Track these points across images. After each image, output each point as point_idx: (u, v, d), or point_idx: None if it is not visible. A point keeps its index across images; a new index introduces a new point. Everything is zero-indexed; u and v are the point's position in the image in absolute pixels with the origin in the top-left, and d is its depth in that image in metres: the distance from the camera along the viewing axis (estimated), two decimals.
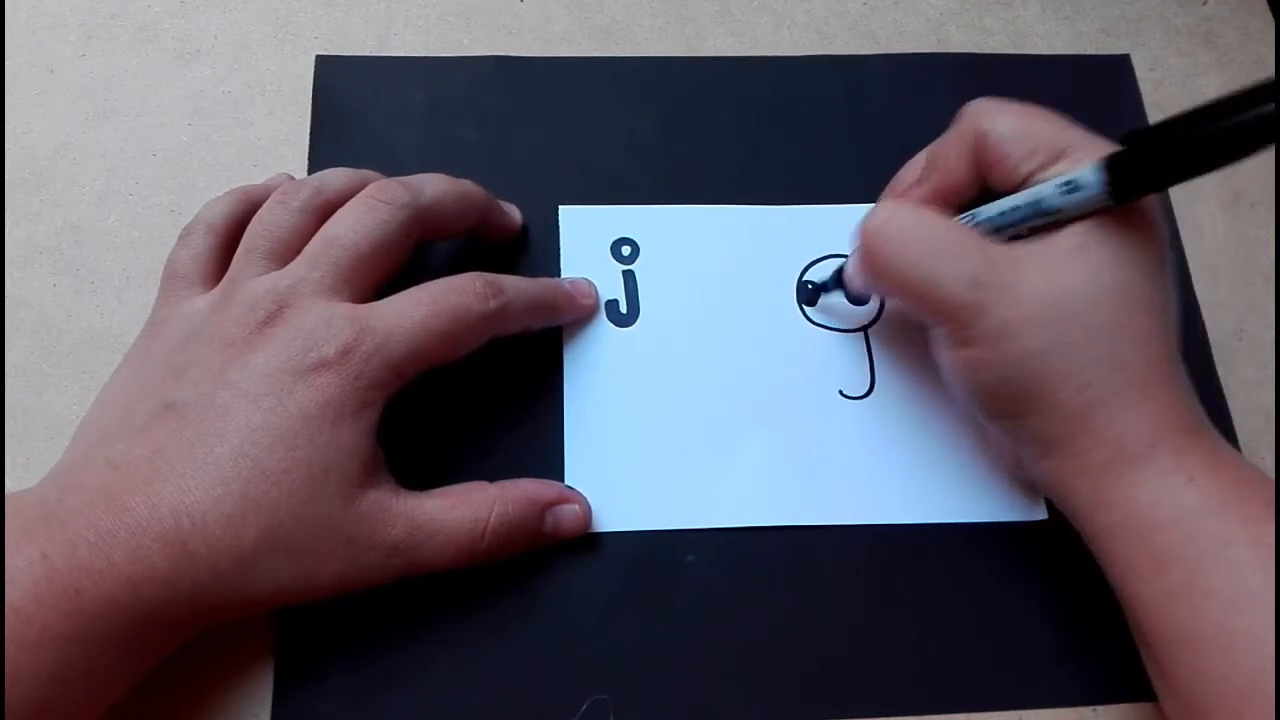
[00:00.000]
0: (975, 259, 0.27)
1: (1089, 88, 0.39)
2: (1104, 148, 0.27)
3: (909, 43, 0.39)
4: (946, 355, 0.28)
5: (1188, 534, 0.25)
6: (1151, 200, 0.27)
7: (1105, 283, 0.26)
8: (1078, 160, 0.27)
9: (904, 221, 0.28)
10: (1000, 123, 0.28)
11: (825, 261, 0.35)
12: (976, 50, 0.39)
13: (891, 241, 0.28)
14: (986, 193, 0.29)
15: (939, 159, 0.30)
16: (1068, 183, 0.26)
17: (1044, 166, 0.27)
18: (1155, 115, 0.38)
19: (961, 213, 0.29)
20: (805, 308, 0.34)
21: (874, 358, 0.34)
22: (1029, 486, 0.32)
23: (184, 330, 0.28)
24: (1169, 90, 0.39)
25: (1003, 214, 0.28)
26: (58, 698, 0.23)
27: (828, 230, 0.36)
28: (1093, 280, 0.26)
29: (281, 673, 0.29)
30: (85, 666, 0.23)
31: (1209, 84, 0.39)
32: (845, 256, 0.35)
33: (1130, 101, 0.39)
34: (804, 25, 0.39)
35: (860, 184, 0.36)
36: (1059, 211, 0.27)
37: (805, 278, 0.35)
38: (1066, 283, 0.26)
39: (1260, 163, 0.38)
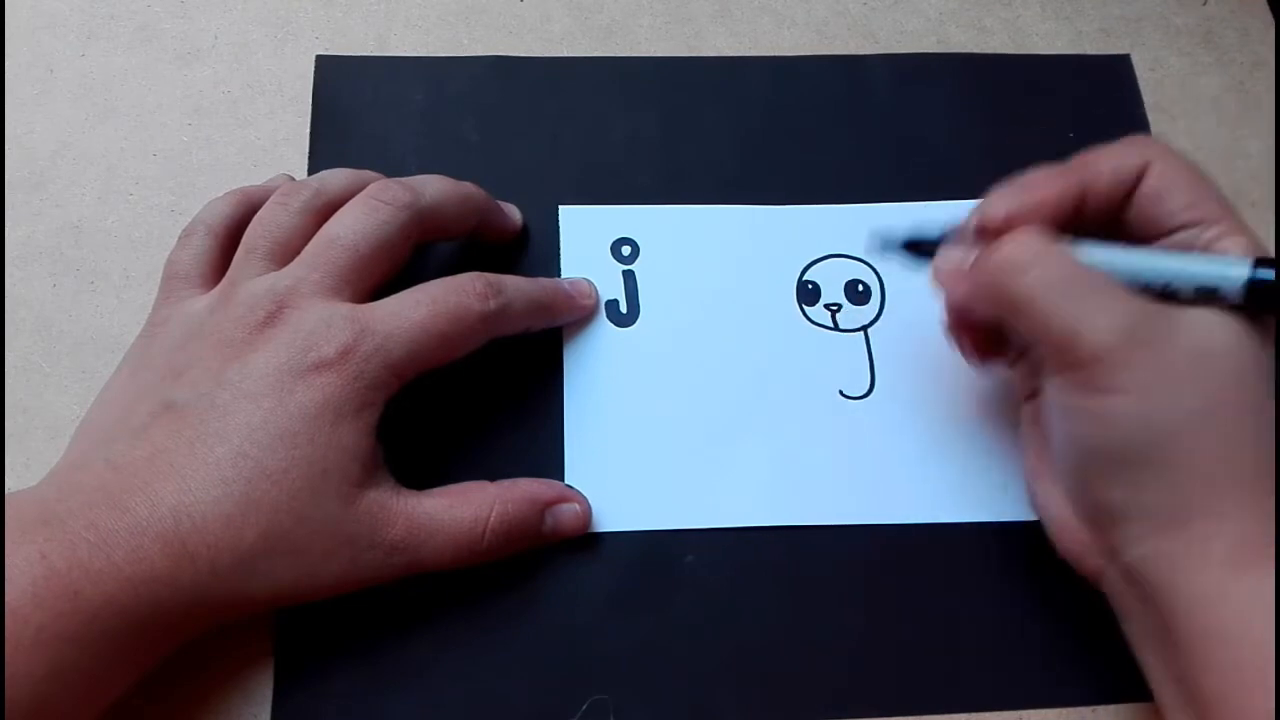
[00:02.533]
0: (1125, 310, 0.25)
1: (1089, 88, 0.39)
2: (1249, 238, 0.26)
3: (909, 43, 0.39)
4: (1070, 403, 0.26)
5: None
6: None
7: (1252, 359, 0.25)
8: (1226, 238, 0.26)
9: (1052, 256, 0.26)
10: (1172, 165, 0.27)
11: (837, 258, 0.35)
12: (976, 50, 0.39)
13: (1031, 280, 0.26)
14: (1113, 223, 0.28)
15: (1091, 165, 0.28)
16: (1207, 290, 0.25)
17: (1199, 224, 0.26)
18: (1155, 115, 0.38)
19: (1079, 230, 0.27)
20: (805, 307, 0.34)
21: (874, 358, 0.34)
22: (1094, 575, 0.28)
23: (184, 331, 0.28)
24: (1169, 90, 0.39)
25: (1131, 278, 0.26)
26: (55, 697, 0.23)
27: (828, 230, 0.36)
28: (1245, 352, 0.25)
29: (281, 673, 0.29)
30: (83, 666, 0.23)
31: (1209, 84, 0.39)
32: (845, 257, 0.35)
33: (1130, 101, 0.39)
34: (804, 25, 0.39)
35: (860, 184, 0.36)
36: (1187, 302, 0.26)
37: (805, 277, 0.35)
38: (1225, 346, 0.25)
39: (1260, 163, 0.38)
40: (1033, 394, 0.30)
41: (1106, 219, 0.28)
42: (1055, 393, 0.27)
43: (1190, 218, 0.26)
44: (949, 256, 0.29)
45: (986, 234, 0.28)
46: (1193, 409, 0.24)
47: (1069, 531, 0.28)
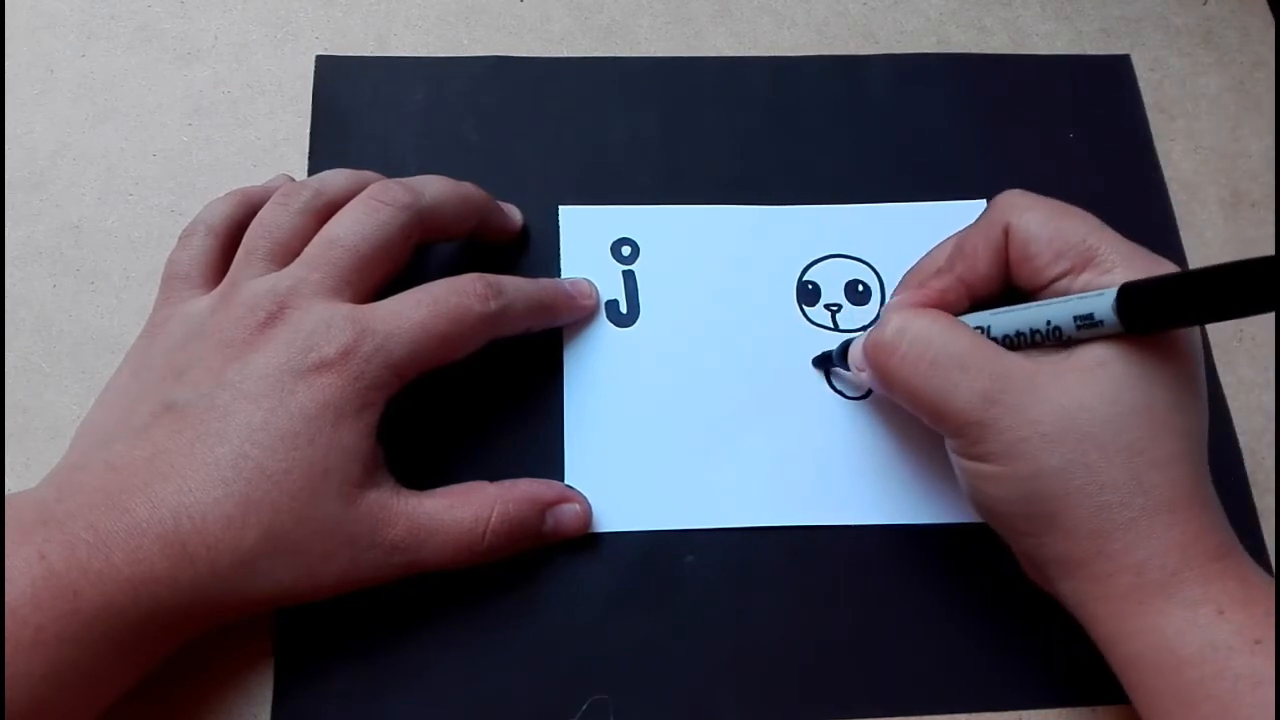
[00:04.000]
0: (988, 374, 0.25)
1: (1089, 88, 0.39)
2: (1132, 255, 0.26)
3: (909, 43, 0.39)
4: (958, 466, 0.27)
5: (1218, 671, 0.23)
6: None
7: (1126, 402, 0.25)
8: (1104, 272, 0.26)
9: (915, 333, 0.27)
10: (1029, 220, 0.27)
11: (824, 262, 0.35)
12: (976, 50, 0.39)
13: (902, 355, 0.27)
14: (1010, 289, 0.28)
15: (965, 248, 0.29)
16: (1085, 316, 0.25)
17: (1070, 272, 0.26)
18: (1155, 115, 0.38)
19: (981, 307, 0.28)
20: (805, 307, 0.34)
21: None
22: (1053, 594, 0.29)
23: (184, 331, 0.28)
24: (1169, 90, 0.39)
25: (1019, 333, 0.27)
26: (54, 698, 0.23)
27: (828, 230, 0.36)
28: (1113, 399, 0.25)
29: (281, 673, 0.29)
30: (82, 667, 0.23)
31: (1209, 84, 0.39)
32: (845, 257, 0.35)
33: (1130, 101, 0.39)
34: (804, 25, 0.39)
35: (860, 184, 0.36)
36: (1077, 339, 0.26)
37: (805, 277, 0.35)
38: (1084, 400, 0.25)
39: (1260, 163, 0.38)
40: None
41: (1002, 290, 0.28)
42: (952, 456, 0.28)
43: (1060, 268, 0.26)
44: (854, 348, 0.31)
45: None
46: (1058, 467, 0.25)
47: (1025, 562, 0.29)
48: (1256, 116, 0.39)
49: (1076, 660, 0.30)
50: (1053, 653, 0.30)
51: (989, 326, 0.27)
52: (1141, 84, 0.39)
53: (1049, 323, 0.26)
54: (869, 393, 0.33)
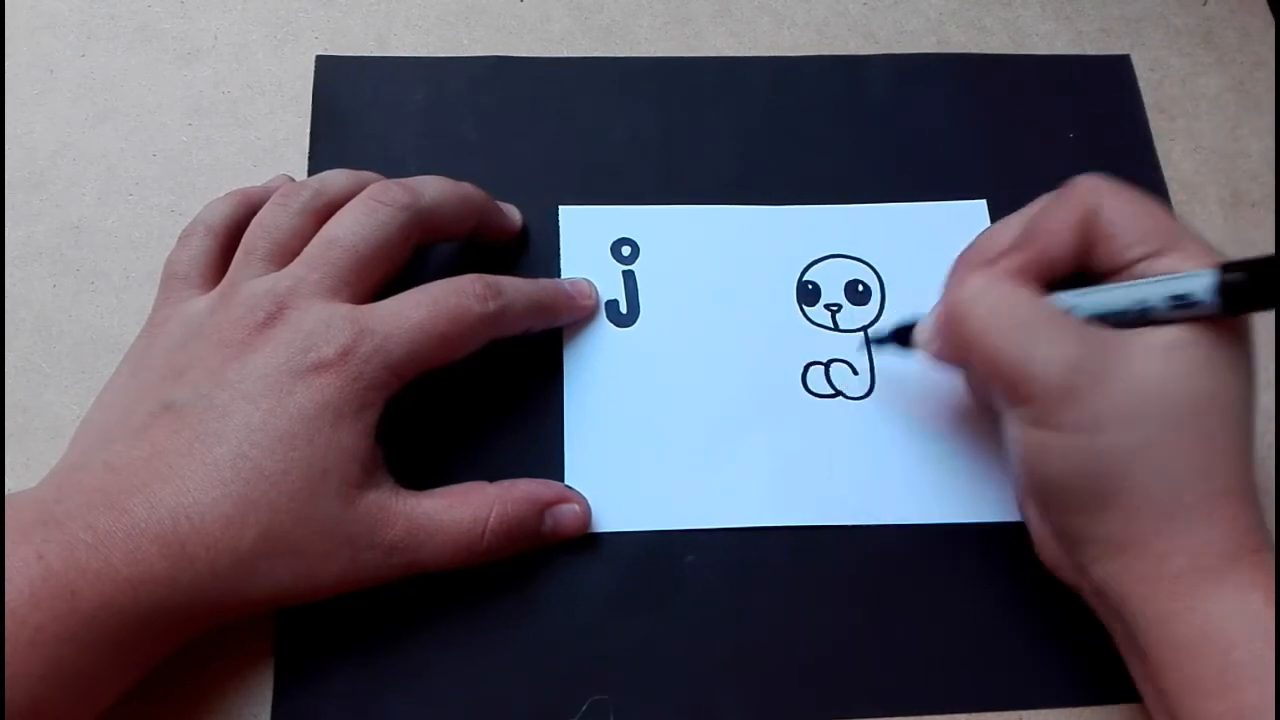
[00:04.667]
0: (1073, 343, 0.25)
1: (1089, 88, 0.39)
2: (1207, 250, 0.26)
3: (909, 43, 0.39)
4: (1023, 436, 0.27)
5: (1264, 656, 0.23)
6: (1245, 320, 0.26)
7: (1204, 387, 0.25)
8: (1186, 258, 0.26)
9: (1000, 298, 0.26)
10: (1116, 201, 0.27)
11: (835, 266, 0.35)
12: (976, 50, 0.39)
13: (984, 315, 0.26)
14: (1079, 274, 0.28)
15: (1044, 226, 0.28)
16: (1180, 297, 0.25)
17: (1153, 256, 0.26)
18: (1155, 115, 0.38)
19: (1053, 290, 0.28)
20: (805, 307, 0.34)
21: (874, 358, 0.34)
22: (1074, 588, 0.29)
23: (183, 331, 0.28)
24: (1169, 90, 0.39)
25: (1108, 314, 0.26)
26: (53, 698, 0.23)
27: (828, 230, 0.36)
28: (1193, 382, 0.25)
29: (281, 673, 0.29)
30: (81, 667, 0.23)
31: (1209, 84, 0.39)
32: (845, 257, 0.35)
33: (1130, 101, 0.39)
34: (804, 25, 0.39)
35: (860, 184, 0.36)
36: (1163, 320, 0.26)
37: (805, 277, 0.35)
38: (1167, 379, 0.25)
39: (1260, 163, 0.38)
40: None
41: (1074, 271, 0.28)
42: (1011, 426, 0.27)
43: (1144, 250, 0.26)
44: (925, 322, 0.30)
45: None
46: (1136, 444, 0.25)
47: (1048, 546, 0.29)
48: (1256, 116, 0.39)
49: (1077, 660, 0.30)
50: (1053, 652, 0.30)
51: (1076, 306, 0.27)
52: (1141, 84, 0.39)
53: (1141, 303, 0.26)
54: (869, 392, 0.33)
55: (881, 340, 0.33)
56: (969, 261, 0.30)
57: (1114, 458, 0.25)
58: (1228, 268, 0.25)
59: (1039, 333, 0.26)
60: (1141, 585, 0.26)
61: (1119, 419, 0.25)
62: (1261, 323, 0.32)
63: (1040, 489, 0.27)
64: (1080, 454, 0.25)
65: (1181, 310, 0.25)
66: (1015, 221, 0.30)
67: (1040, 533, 0.29)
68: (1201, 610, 0.25)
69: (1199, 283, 0.25)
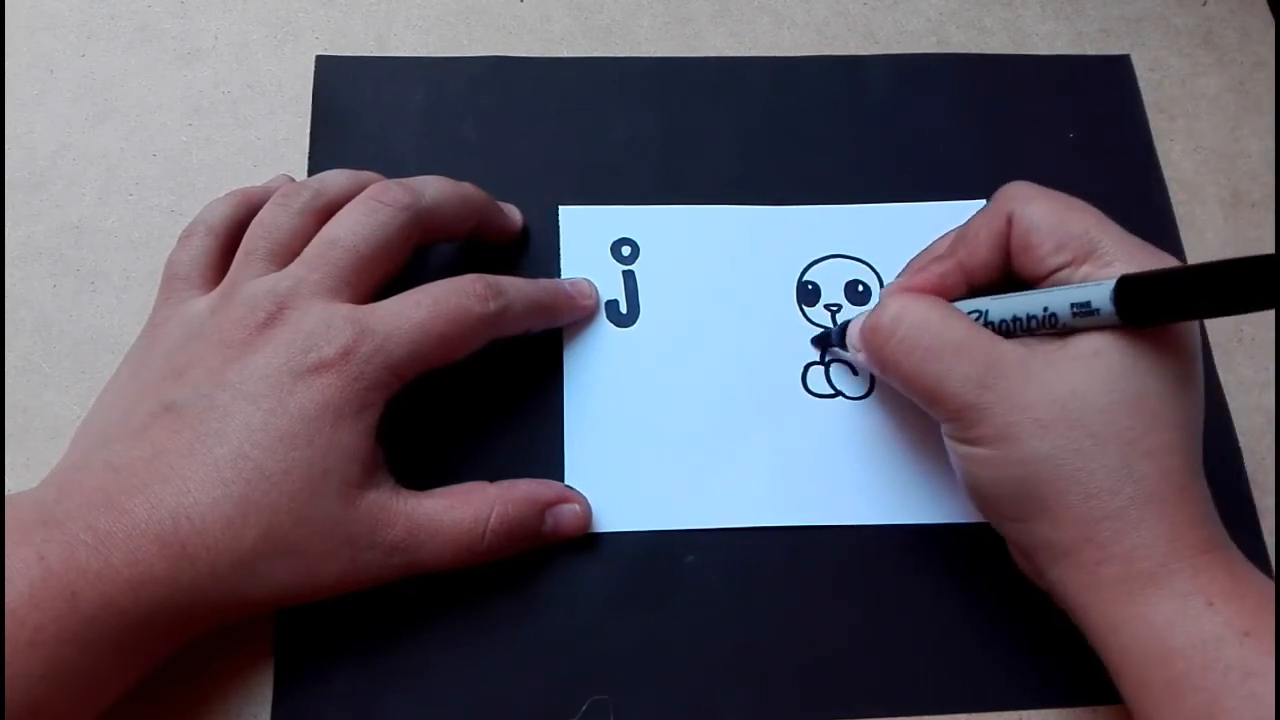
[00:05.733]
0: (981, 359, 0.26)
1: (1089, 88, 0.39)
2: (1133, 250, 0.26)
3: (909, 43, 0.39)
4: (951, 451, 0.28)
5: (1207, 663, 0.23)
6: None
7: (1120, 391, 0.25)
8: (1104, 265, 0.26)
9: (913, 318, 0.27)
10: (1033, 210, 0.27)
11: (826, 263, 0.35)
12: (976, 50, 0.39)
13: (898, 339, 0.27)
14: (1009, 278, 0.28)
15: (967, 236, 0.29)
16: (1082, 304, 0.25)
17: (1071, 264, 0.26)
18: (1155, 115, 0.38)
19: (980, 294, 0.29)
20: (805, 307, 0.34)
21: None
22: (1040, 584, 0.29)
23: (184, 331, 0.28)
24: (1169, 90, 0.39)
25: (1015, 319, 0.27)
26: (52, 698, 0.23)
27: (828, 230, 0.36)
28: (1107, 388, 0.25)
29: (281, 673, 0.29)
30: (81, 667, 0.23)
31: (1209, 84, 0.39)
32: (845, 258, 0.35)
33: (1130, 101, 0.39)
34: (804, 25, 0.39)
35: (860, 184, 0.36)
36: (1074, 327, 0.26)
37: (805, 277, 0.35)
38: (1078, 387, 0.25)
39: (1260, 163, 0.38)
40: None
41: (1001, 279, 0.28)
42: (946, 441, 0.28)
43: (1060, 259, 0.27)
44: (852, 329, 0.31)
45: None
46: (1050, 453, 0.25)
47: (1015, 551, 0.29)
48: (1256, 116, 0.39)
49: (1076, 660, 0.30)
50: (1053, 653, 0.30)
51: (986, 311, 0.28)
52: (1141, 84, 0.39)
53: (1046, 309, 0.26)
54: (869, 392, 0.33)
55: (826, 343, 0.33)
56: (905, 272, 0.31)
57: (1032, 468, 0.25)
58: (1125, 281, 0.24)
59: (948, 354, 0.26)
60: (1082, 593, 0.26)
61: (1031, 430, 0.25)
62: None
63: (977, 500, 0.28)
64: (999, 466, 0.26)
65: (1087, 318, 0.25)
66: (951, 234, 0.30)
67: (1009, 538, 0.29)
68: (1139, 618, 0.25)
69: (1098, 292, 0.25)
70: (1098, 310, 0.25)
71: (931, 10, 0.40)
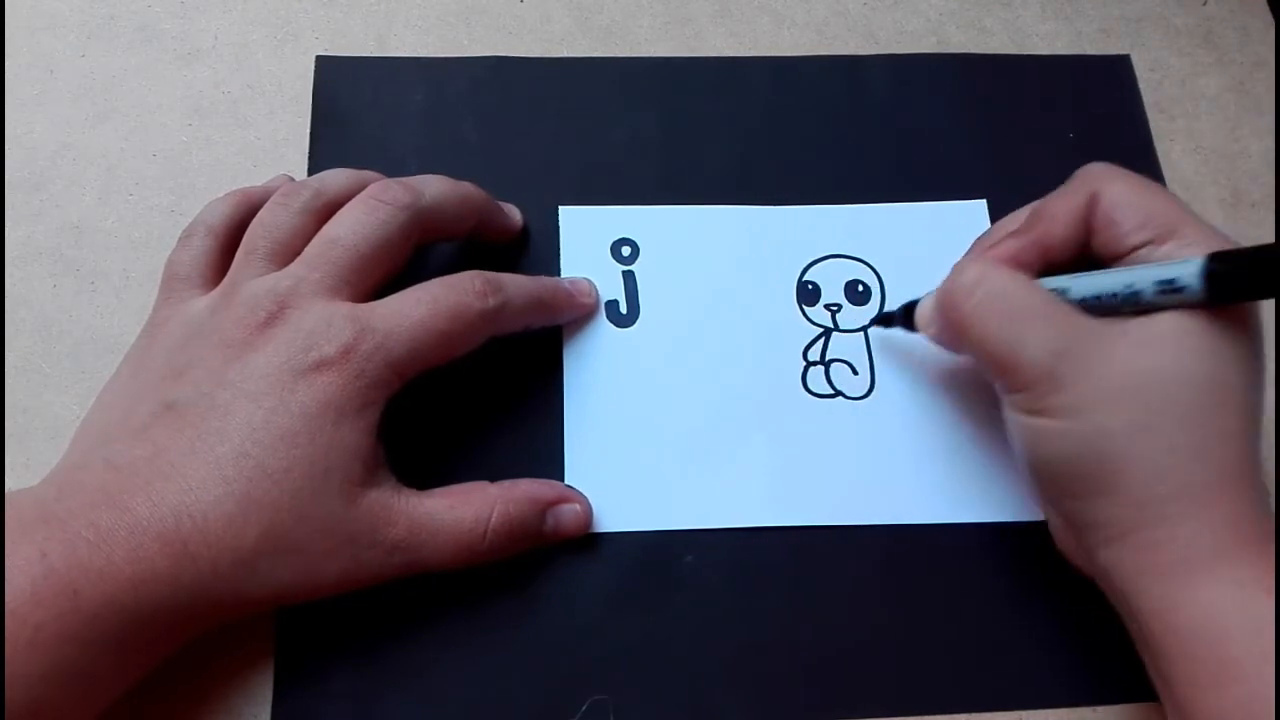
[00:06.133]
0: (1061, 329, 0.26)
1: (1089, 88, 0.39)
2: (1212, 236, 0.26)
3: (909, 43, 0.39)
4: (1017, 423, 0.27)
5: (1265, 650, 0.23)
6: (1252, 305, 0.26)
7: (1196, 371, 0.25)
8: (1186, 245, 0.26)
9: (993, 284, 0.27)
10: (1119, 188, 0.27)
11: (829, 262, 0.35)
12: (976, 50, 0.39)
13: (977, 303, 0.27)
14: (1082, 260, 0.28)
15: (1045, 212, 0.28)
16: (1167, 282, 0.25)
17: (1153, 243, 0.26)
18: (1155, 115, 0.38)
19: (1054, 273, 0.28)
20: (805, 307, 0.34)
21: (874, 358, 0.34)
22: (1086, 566, 0.29)
23: (184, 331, 0.28)
24: (1169, 90, 0.39)
25: (1097, 297, 0.27)
26: (53, 697, 0.23)
27: (828, 230, 0.36)
28: (1184, 367, 0.25)
29: (281, 673, 0.29)
30: (82, 666, 0.23)
31: (1209, 84, 0.39)
32: (845, 258, 0.35)
33: (1130, 101, 0.39)
34: (804, 25, 0.39)
35: (860, 184, 0.36)
36: (1154, 305, 0.26)
37: (805, 277, 0.35)
38: (1156, 365, 0.25)
39: (1260, 163, 0.38)
40: None
41: (1076, 258, 0.28)
42: (1008, 412, 0.28)
43: (1143, 237, 0.26)
44: (924, 304, 0.30)
45: None
46: (1123, 428, 0.25)
47: (1060, 532, 0.29)
48: (1256, 116, 0.39)
49: (1077, 660, 0.30)
50: (1053, 652, 0.30)
51: (1067, 289, 0.27)
52: (1141, 84, 0.39)
53: (1129, 286, 0.26)
54: (869, 392, 0.33)
55: (889, 322, 0.33)
56: (977, 246, 0.31)
57: (1103, 442, 0.25)
58: (1216, 257, 0.25)
59: (1028, 320, 0.26)
60: (1138, 573, 0.26)
61: (1106, 404, 0.25)
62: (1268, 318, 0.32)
63: (1039, 474, 0.27)
64: (1069, 439, 0.26)
65: (1170, 296, 0.25)
66: (1022, 211, 0.30)
67: (1053, 518, 0.29)
68: (1196, 601, 0.24)
69: (1186, 269, 0.25)
70: (1183, 288, 0.25)
71: (931, 10, 0.40)
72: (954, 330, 0.28)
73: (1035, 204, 0.29)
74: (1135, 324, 0.26)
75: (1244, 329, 0.26)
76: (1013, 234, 0.29)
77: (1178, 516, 0.25)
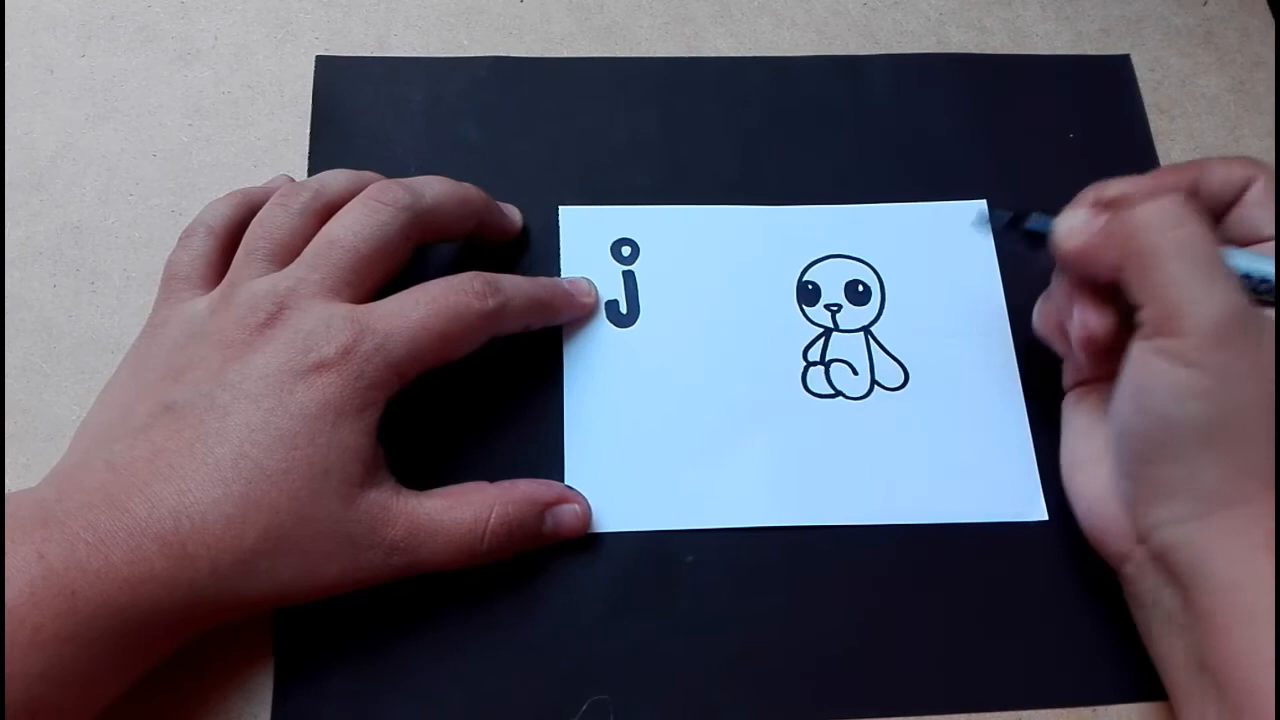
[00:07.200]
0: (1237, 295, 0.26)
1: (1089, 88, 0.39)
2: None
3: (909, 43, 0.39)
4: (1158, 368, 0.26)
5: None
6: None
7: None
8: None
9: (1195, 229, 0.26)
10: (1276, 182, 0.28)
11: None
12: (976, 50, 0.39)
13: (1171, 239, 0.26)
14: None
15: (1204, 167, 0.29)
16: None
17: None
18: (1155, 115, 0.38)
19: None
20: (805, 307, 0.34)
21: (874, 358, 0.34)
22: (1117, 559, 0.29)
23: (184, 331, 0.28)
24: (1169, 90, 0.39)
25: (1248, 275, 0.27)
26: (51, 697, 0.23)
27: (828, 230, 0.36)
28: None
29: (281, 673, 0.29)
30: (80, 666, 0.23)
31: (1209, 84, 0.39)
32: (845, 258, 0.35)
33: (1130, 101, 0.39)
34: (804, 25, 0.39)
35: (860, 184, 0.36)
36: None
37: (805, 277, 0.35)
38: None
39: None
40: (1082, 381, 0.31)
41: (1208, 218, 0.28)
42: (1145, 355, 0.27)
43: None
44: (1069, 218, 0.29)
45: (1102, 206, 0.28)
46: (1256, 402, 0.25)
47: (1099, 513, 0.29)
48: (1256, 116, 0.39)
49: (1076, 660, 0.30)
50: (1053, 653, 0.30)
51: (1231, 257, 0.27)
52: (1141, 84, 0.39)
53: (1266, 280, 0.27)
54: (869, 392, 0.33)
55: (1002, 225, 0.32)
56: (1121, 180, 0.29)
57: (1234, 408, 0.25)
58: None
59: (1211, 275, 0.26)
60: (1226, 543, 0.25)
61: (1249, 376, 0.25)
62: None
63: (1145, 429, 0.27)
64: (1211, 399, 0.25)
65: None
66: (1181, 174, 0.29)
67: (1097, 499, 0.29)
68: (1271, 582, 0.25)
69: None
70: None
71: (931, 10, 0.40)
72: (1127, 259, 0.27)
73: (1189, 168, 0.29)
74: (1270, 317, 0.26)
75: None
76: (1171, 169, 0.29)
77: (1270, 498, 0.25)
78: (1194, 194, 0.28)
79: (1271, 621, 0.24)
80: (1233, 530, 0.26)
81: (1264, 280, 0.27)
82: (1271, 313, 0.26)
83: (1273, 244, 0.27)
